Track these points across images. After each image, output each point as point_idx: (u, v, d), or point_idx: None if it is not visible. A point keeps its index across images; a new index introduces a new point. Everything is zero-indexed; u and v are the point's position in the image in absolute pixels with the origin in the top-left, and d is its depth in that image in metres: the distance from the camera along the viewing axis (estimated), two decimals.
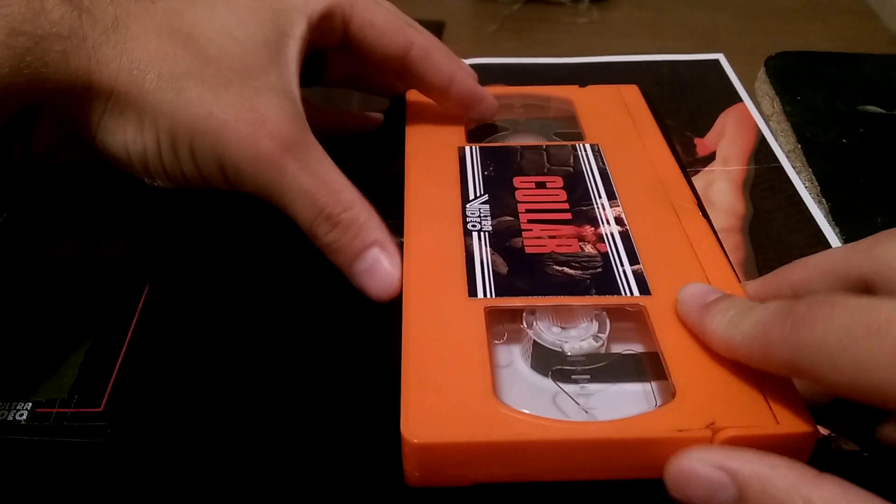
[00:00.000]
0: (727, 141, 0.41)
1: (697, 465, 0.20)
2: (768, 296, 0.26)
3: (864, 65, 0.45)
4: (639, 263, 0.27)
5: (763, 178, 0.38)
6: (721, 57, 0.47)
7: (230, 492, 0.24)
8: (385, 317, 0.27)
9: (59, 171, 0.32)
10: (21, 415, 0.25)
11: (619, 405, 0.24)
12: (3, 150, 0.26)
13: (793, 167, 0.39)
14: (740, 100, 0.43)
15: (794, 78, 0.44)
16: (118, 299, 0.29)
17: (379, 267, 0.26)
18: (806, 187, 0.38)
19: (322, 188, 0.26)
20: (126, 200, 0.34)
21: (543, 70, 0.46)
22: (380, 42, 0.31)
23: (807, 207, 0.36)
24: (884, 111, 0.42)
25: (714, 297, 0.24)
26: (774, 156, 0.40)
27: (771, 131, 0.41)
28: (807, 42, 0.48)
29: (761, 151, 0.40)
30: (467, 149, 0.33)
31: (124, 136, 0.27)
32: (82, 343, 0.28)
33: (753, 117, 0.42)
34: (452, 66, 0.33)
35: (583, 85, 0.38)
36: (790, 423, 0.21)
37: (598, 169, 0.32)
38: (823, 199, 0.37)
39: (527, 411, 0.22)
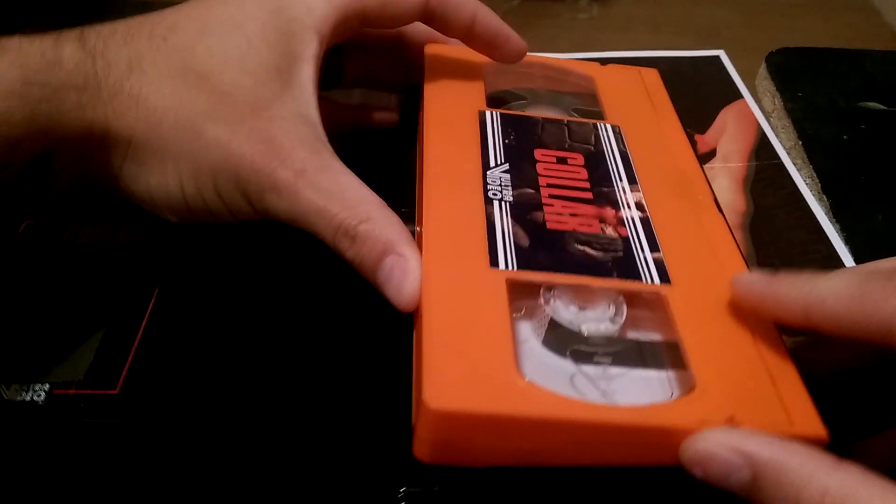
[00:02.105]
0: (728, 138, 0.40)
1: (714, 448, 0.20)
2: None
3: (865, 61, 0.45)
4: (659, 251, 0.26)
5: (764, 174, 0.38)
6: (721, 53, 0.47)
7: (245, 472, 0.25)
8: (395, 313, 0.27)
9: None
10: (39, 396, 0.26)
11: (634, 392, 0.23)
12: (18, 192, 0.26)
13: (793, 164, 0.39)
14: (741, 96, 0.43)
15: (795, 74, 0.44)
16: (135, 284, 0.30)
17: (395, 273, 0.25)
18: (807, 184, 0.38)
19: (336, 205, 0.26)
20: None
21: None
22: (397, 11, 0.31)
23: (807, 204, 0.36)
24: (885, 108, 0.42)
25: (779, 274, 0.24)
26: (775, 152, 0.40)
27: (772, 128, 0.41)
28: (808, 38, 0.47)
29: (762, 148, 0.40)
30: (488, 114, 0.32)
31: (147, 182, 0.27)
32: (99, 327, 0.28)
33: (754, 114, 0.42)
34: (472, 5, 0.32)
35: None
36: (804, 426, 0.21)
37: (619, 151, 0.31)
38: (824, 196, 0.37)
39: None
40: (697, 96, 0.43)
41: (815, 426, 0.21)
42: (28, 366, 0.27)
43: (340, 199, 0.26)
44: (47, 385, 0.26)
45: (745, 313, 0.24)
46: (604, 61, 0.47)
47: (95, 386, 0.26)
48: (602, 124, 0.33)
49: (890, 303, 0.20)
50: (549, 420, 0.21)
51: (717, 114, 0.42)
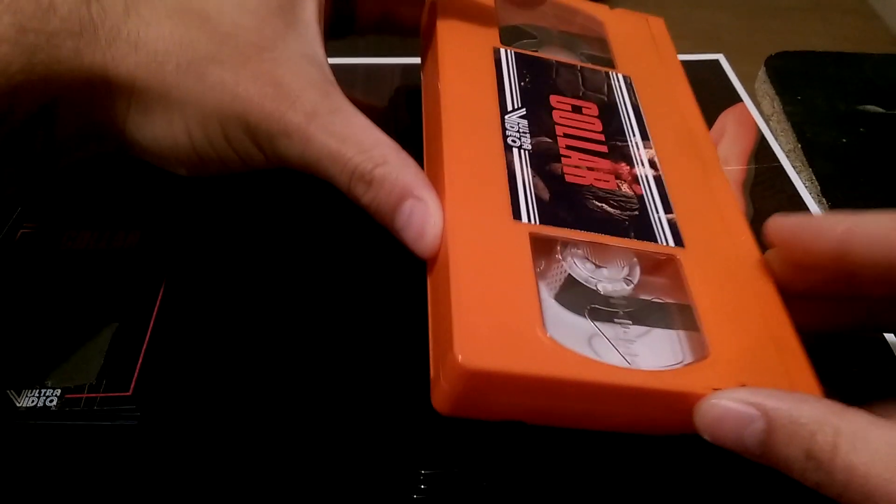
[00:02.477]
0: (727, 141, 0.41)
1: (727, 402, 0.20)
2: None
3: (865, 64, 0.45)
4: (672, 213, 0.26)
5: (763, 177, 0.38)
6: (721, 57, 0.47)
7: (263, 465, 0.25)
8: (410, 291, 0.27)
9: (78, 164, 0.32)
10: (51, 401, 0.26)
11: (648, 352, 0.24)
12: (24, 146, 0.26)
13: (793, 167, 0.39)
14: (740, 100, 0.43)
15: (795, 78, 0.44)
16: (139, 285, 0.30)
17: (414, 218, 0.24)
18: (806, 187, 0.38)
19: (351, 149, 0.25)
20: (142, 190, 0.34)
21: None
22: None
23: (807, 207, 0.36)
24: (884, 111, 0.42)
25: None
26: (774, 155, 0.40)
27: (771, 131, 0.41)
28: (807, 42, 0.47)
29: (761, 151, 0.40)
30: (503, 52, 0.31)
31: (153, 130, 0.26)
32: (107, 329, 0.28)
33: (753, 117, 0.42)
34: None
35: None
36: (805, 391, 0.22)
37: (632, 104, 0.31)
38: (823, 199, 0.37)
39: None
40: (697, 100, 0.43)
41: (814, 391, 0.22)
42: (38, 372, 0.27)
43: (355, 142, 0.25)
44: (59, 390, 0.26)
45: (750, 280, 0.25)
46: None
47: (108, 388, 0.26)
48: (614, 73, 0.32)
49: None
50: (575, 381, 0.21)
51: (717, 117, 0.42)
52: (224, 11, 0.26)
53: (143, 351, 0.28)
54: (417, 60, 0.34)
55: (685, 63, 0.46)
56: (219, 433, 0.26)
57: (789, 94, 0.43)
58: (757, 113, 0.42)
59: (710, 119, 0.42)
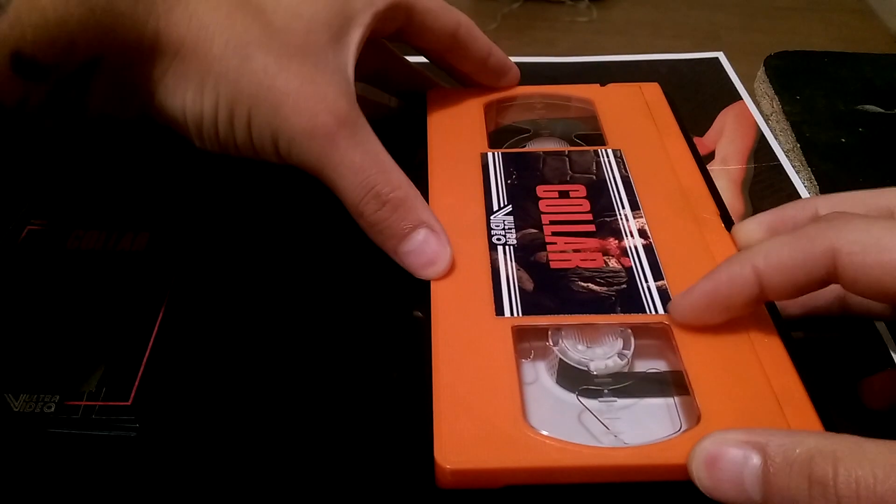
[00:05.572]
0: (726, 140, 0.41)
1: (721, 447, 0.20)
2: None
3: (864, 64, 0.45)
4: (663, 279, 0.27)
5: (762, 177, 0.38)
6: (721, 56, 0.47)
7: (258, 485, 0.24)
8: (413, 318, 0.27)
9: (85, 159, 0.32)
10: (49, 407, 0.25)
11: (643, 423, 0.24)
12: (60, 98, 0.26)
13: (792, 166, 0.39)
14: (740, 99, 0.43)
15: (794, 77, 0.44)
16: (144, 291, 0.30)
17: (427, 246, 0.26)
18: (805, 186, 0.38)
19: (373, 166, 0.27)
20: (153, 192, 0.34)
21: (543, 69, 0.46)
22: (436, 24, 0.33)
23: None
24: (883, 111, 0.42)
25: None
26: (774, 155, 0.40)
27: (770, 130, 0.41)
28: (806, 41, 0.47)
29: (760, 150, 0.40)
30: (490, 155, 0.32)
31: (183, 98, 0.27)
32: (109, 336, 0.28)
33: (753, 116, 0.42)
34: (488, 39, 0.35)
35: (602, 84, 0.37)
36: None
37: (621, 177, 0.31)
38: None
39: (554, 432, 0.22)
40: (696, 98, 0.43)
41: None
42: (37, 376, 0.26)
43: (376, 160, 0.27)
44: (57, 396, 0.26)
45: (749, 332, 0.25)
46: (603, 64, 0.47)
47: (107, 397, 0.26)
48: (603, 150, 0.33)
49: (829, 232, 0.22)
50: (557, 468, 0.21)
51: (716, 116, 0.42)
52: (279, 10, 0.27)
53: (144, 359, 0.27)
54: (421, 59, 0.35)
55: (684, 62, 0.47)
56: (220, 448, 0.25)
57: (788, 93, 0.43)
58: (756, 112, 0.43)
59: (709, 118, 0.42)
